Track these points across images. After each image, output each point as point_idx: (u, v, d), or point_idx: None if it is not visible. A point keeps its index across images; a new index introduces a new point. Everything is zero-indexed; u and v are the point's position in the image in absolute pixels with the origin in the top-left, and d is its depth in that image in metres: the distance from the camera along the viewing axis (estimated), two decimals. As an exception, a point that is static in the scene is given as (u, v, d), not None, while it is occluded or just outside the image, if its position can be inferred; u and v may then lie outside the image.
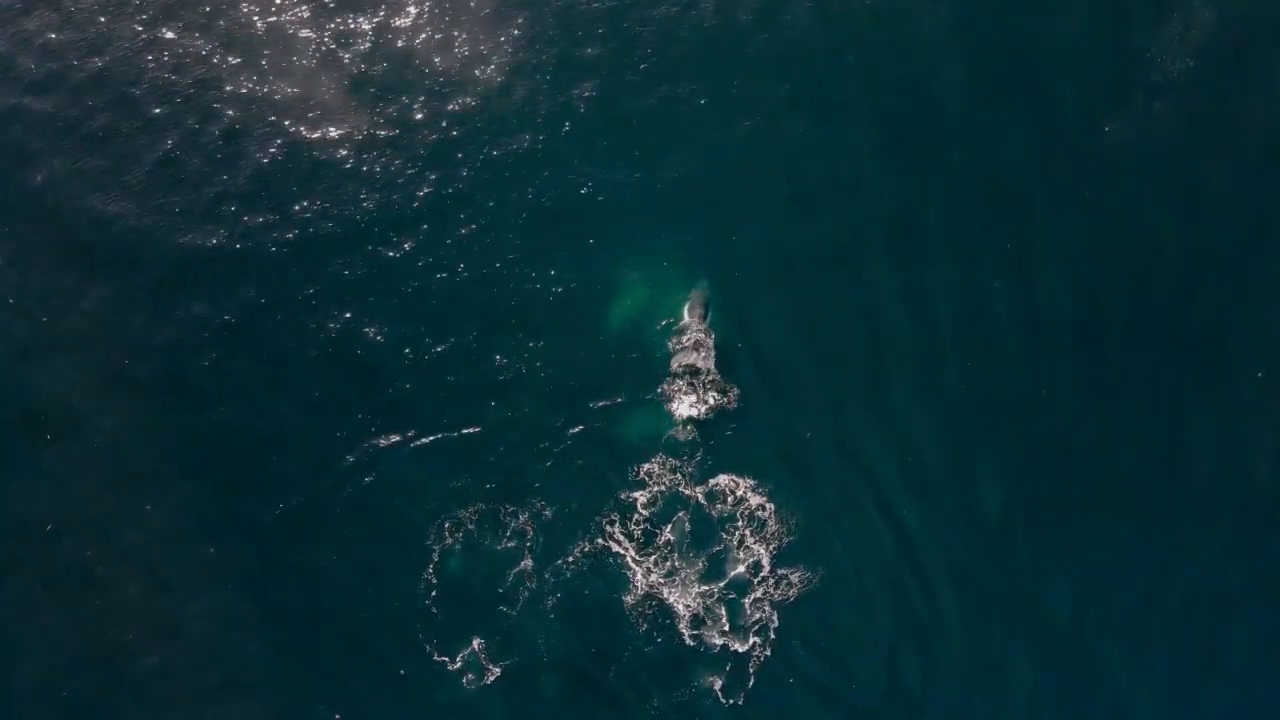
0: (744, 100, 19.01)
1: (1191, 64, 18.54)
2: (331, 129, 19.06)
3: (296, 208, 18.46)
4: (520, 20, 19.79)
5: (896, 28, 19.41)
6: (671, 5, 19.71)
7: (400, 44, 19.67)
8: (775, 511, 16.21)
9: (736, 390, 16.85)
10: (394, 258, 18.03)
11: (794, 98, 18.98)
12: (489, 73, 19.38)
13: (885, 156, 18.50)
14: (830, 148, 18.60)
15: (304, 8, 20.00)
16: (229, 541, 16.42)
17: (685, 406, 16.77)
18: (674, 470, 16.45)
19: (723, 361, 17.07)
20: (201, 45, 19.75)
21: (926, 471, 16.55)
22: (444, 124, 19.03)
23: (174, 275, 18.14)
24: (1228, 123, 18.40)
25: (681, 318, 17.37)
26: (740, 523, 16.20)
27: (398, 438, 16.80)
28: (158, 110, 19.34)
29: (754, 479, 16.43)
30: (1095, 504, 16.41)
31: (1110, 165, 18.23)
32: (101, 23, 19.99)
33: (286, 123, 19.04)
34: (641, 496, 16.34)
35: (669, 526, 16.17)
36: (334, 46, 19.64)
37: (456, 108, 19.12)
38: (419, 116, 19.13)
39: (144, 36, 19.88)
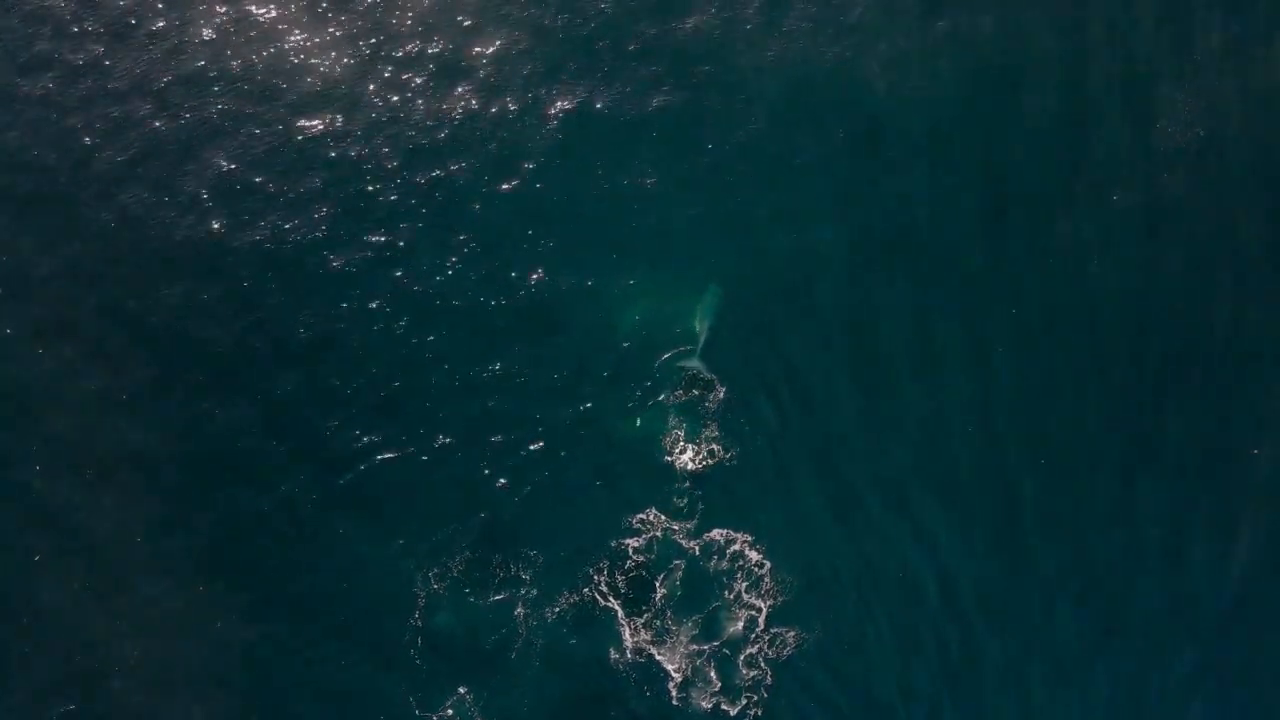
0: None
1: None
2: (335, 120, 18.56)
3: (286, 207, 17.99)
4: (529, 28, 19.34)
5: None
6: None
7: (418, 41, 19.19)
8: (772, 569, 15.91)
9: (738, 445, 16.52)
10: (386, 273, 17.64)
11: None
12: (496, 77, 18.88)
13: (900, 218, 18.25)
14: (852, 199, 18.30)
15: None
16: (207, 587, 15.95)
17: (685, 458, 16.44)
18: (671, 522, 16.12)
19: (725, 415, 16.73)
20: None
21: (928, 532, 16.31)
22: (448, 126, 18.54)
23: (166, 270, 17.71)
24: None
25: (684, 361, 17.01)
26: (737, 578, 15.89)
27: (383, 479, 16.39)
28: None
29: (751, 534, 16.12)
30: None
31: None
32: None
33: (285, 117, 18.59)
34: (635, 544, 16.00)
35: (662, 579, 15.84)
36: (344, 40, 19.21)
37: (461, 110, 18.62)
38: (427, 112, 18.56)
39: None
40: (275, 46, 19.18)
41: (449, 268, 17.67)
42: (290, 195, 18.15)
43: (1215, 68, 18.70)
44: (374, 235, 17.90)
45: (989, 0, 19.39)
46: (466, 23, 19.37)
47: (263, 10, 19.40)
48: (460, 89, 18.86)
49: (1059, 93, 18.67)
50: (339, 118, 18.68)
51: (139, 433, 16.76)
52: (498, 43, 19.21)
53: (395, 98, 18.80)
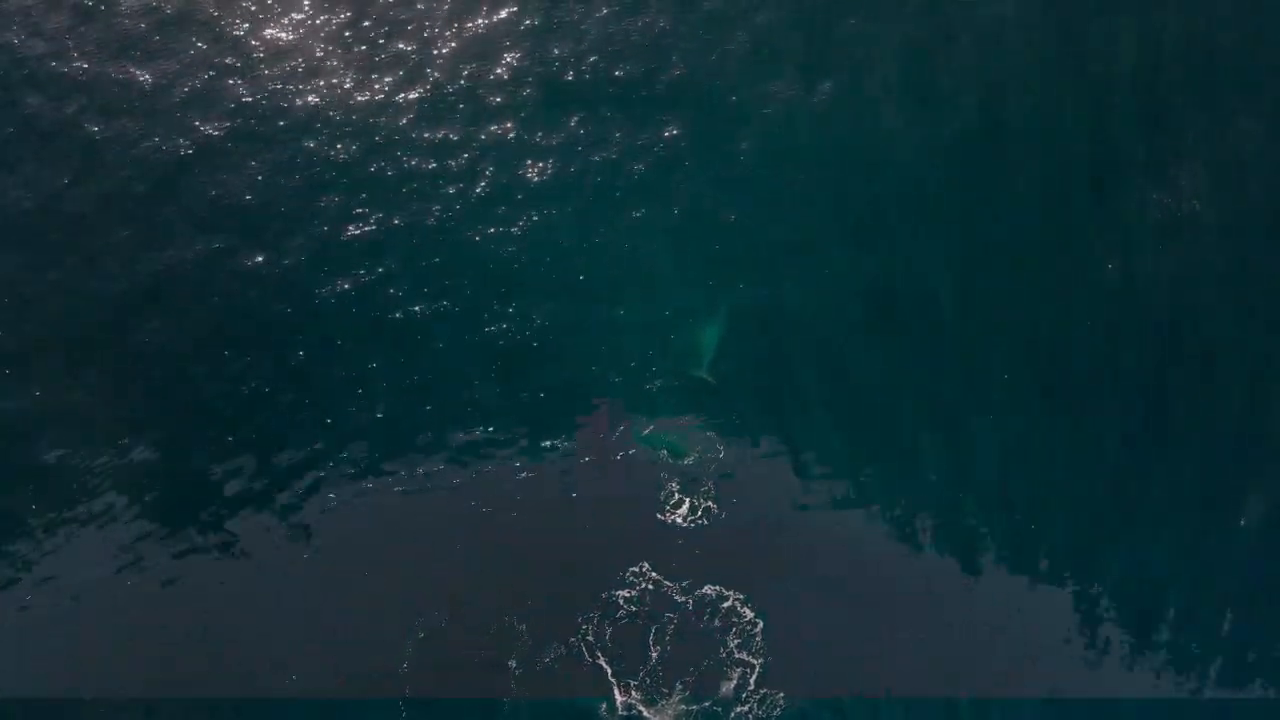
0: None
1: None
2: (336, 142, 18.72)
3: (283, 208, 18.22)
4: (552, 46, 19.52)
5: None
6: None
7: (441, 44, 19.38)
8: (764, 628, 15.78)
9: (733, 501, 16.55)
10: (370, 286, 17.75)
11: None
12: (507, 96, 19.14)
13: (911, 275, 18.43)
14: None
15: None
16: (190, 622, 15.86)
17: (680, 513, 16.46)
18: (664, 576, 16.05)
19: (722, 471, 16.82)
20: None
21: (926, 583, 16.26)
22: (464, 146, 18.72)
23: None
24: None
25: (692, 370, 17.14)
26: (729, 635, 15.75)
27: (371, 517, 16.39)
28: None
29: (743, 592, 16.03)
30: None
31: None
32: None
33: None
34: (626, 595, 15.91)
35: (653, 634, 15.70)
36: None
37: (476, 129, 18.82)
38: (444, 124, 18.75)
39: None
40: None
41: (443, 296, 17.83)
42: (281, 211, 18.32)
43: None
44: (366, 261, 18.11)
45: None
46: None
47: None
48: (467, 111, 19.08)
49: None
50: (341, 142, 18.82)
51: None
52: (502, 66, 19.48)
53: (392, 117, 18.97)
